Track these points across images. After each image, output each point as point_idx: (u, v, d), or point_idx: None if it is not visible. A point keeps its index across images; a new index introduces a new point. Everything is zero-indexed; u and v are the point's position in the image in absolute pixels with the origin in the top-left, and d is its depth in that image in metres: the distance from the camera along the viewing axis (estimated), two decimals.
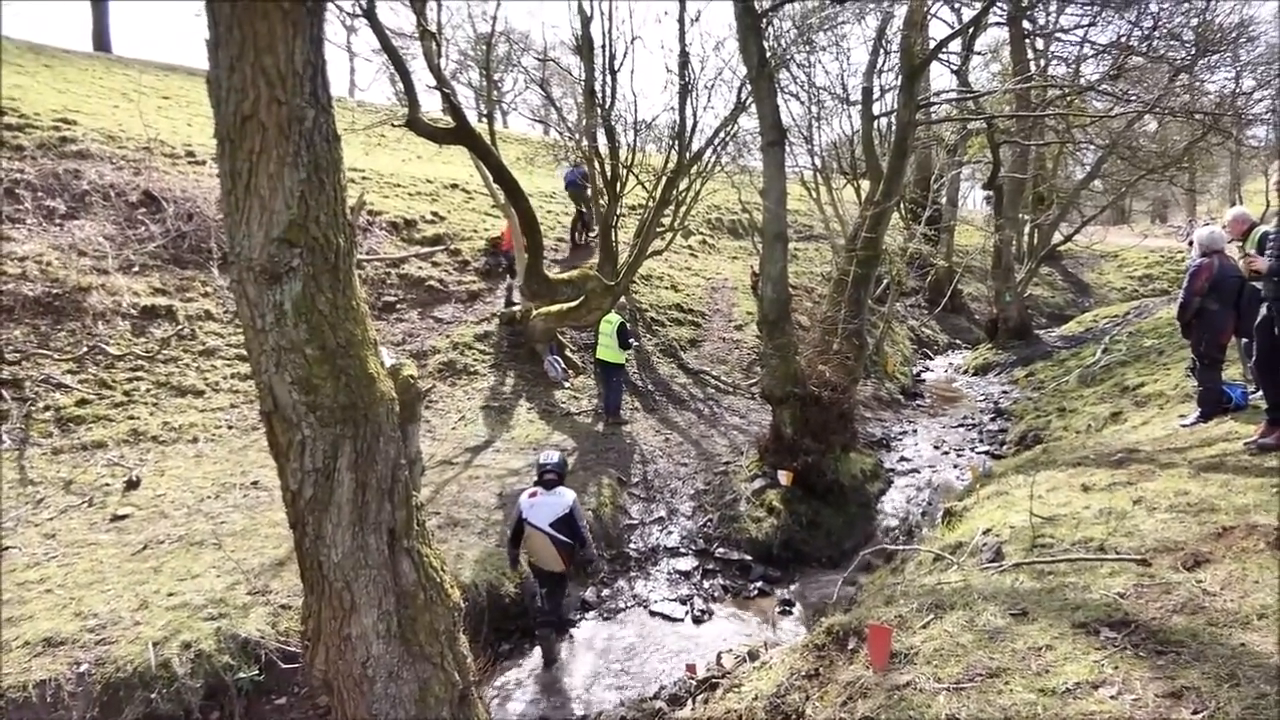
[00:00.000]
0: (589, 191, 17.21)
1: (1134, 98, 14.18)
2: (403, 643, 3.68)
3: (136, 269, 11.20)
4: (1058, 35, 20.15)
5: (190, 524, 7.46)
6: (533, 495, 7.05)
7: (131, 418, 9.38)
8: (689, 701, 5.85)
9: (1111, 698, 3.08)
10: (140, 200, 12.31)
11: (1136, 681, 3.13)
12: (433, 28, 10.85)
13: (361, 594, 3.55)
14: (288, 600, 6.09)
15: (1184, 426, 7.76)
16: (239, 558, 6.68)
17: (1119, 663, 3.29)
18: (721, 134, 14.23)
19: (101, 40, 28.69)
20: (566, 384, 13.30)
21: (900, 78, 11.30)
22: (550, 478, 7.12)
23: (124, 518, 7.53)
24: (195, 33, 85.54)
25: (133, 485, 8.24)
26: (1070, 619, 3.74)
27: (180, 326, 10.88)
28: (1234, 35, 15.13)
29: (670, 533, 9.58)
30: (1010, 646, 3.64)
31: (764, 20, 9.86)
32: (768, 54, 9.95)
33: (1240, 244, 7.35)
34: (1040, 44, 21.07)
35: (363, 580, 3.54)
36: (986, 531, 5.68)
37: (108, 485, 8.19)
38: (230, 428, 9.91)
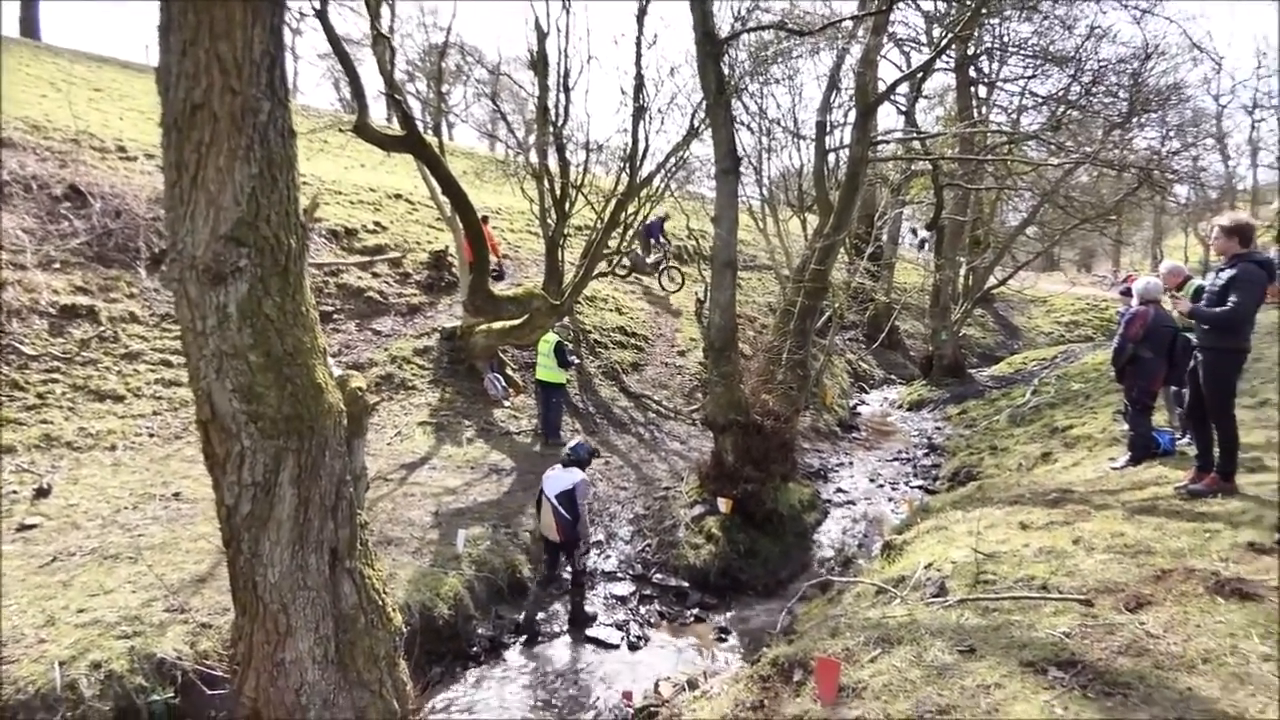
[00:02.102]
0: (656, 240, 19.88)
1: (1071, 149, 14.69)
2: (340, 669, 3.48)
3: (57, 266, 10.67)
4: (1000, 85, 20.85)
5: (105, 536, 7.05)
6: (552, 470, 8.09)
7: (45, 422, 8.88)
8: None
9: None
10: (65, 194, 11.75)
11: None
12: (386, 32, 10.65)
13: (299, 616, 3.34)
14: (209, 619, 5.78)
15: (1114, 469, 7.95)
16: (158, 573, 6.32)
17: (1069, 703, 3.28)
18: (673, 159, 14.29)
19: (30, 27, 27.66)
20: (507, 403, 13.10)
21: (854, 114, 11.49)
22: (570, 458, 8.06)
23: (32, 527, 7.08)
24: (130, 25, 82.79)
25: (43, 493, 7.77)
26: (1018, 657, 3.73)
27: (102, 328, 10.38)
28: (1166, 96, 15.79)
29: (608, 557, 9.45)
30: (959, 684, 3.62)
31: (724, 48, 9.91)
32: (726, 81, 10.01)
33: (1174, 294, 7.59)
34: (983, 92, 21.76)
35: (301, 602, 3.34)
36: (928, 566, 5.70)
37: (15, 493, 7.70)
38: (152, 435, 9.47)
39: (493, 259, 15.09)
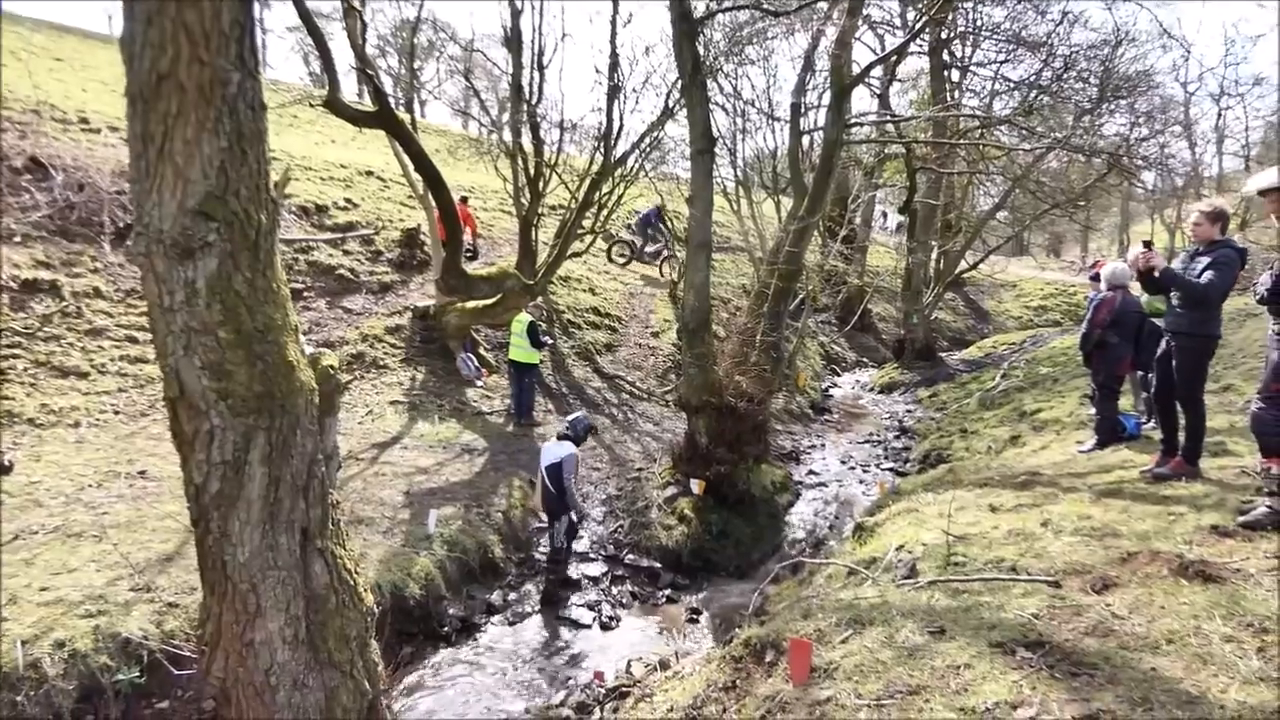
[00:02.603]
0: (654, 229, 20.28)
1: (1042, 134, 14.82)
2: (311, 649, 3.43)
3: (18, 239, 10.41)
4: (973, 69, 20.94)
5: (68, 514, 6.92)
6: (548, 442, 8.39)
7: (6, 398, 8.69)
8: (597, 710, 5.74)
9: (1031, 718, 3.11)
10: (25, 166, 11.44)
11: (1054, 703, 3.16)
12: (357, 4, 10.46)
13: (268, 597, 3.29)
14: (176, 598, 5.71)
15: (1082, 452, 8.05)
16: (123, 551, 6.22)
17: (1036, 683, 3.32)
18: (647, 139, 14.22)
19: None
20: (479, 383, 13.03)
21: (829, 96, 11.47)
22: (565, 432, 8.34)
23: None
24: None
25: (4, 470, 7.59)
26: (987, 638, 3.77)
27: (65, 303, 10.16)
28: (1135, 83, 15.96)
29: (580, 537, 9.45)
30: (929, 664, 3.65)
31: (699, 27, 9.84)
32: (701, 61, 9.95)
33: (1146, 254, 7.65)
34: (956, 76, 21.85)
35: (270, 582, 3.28)
36: (899, 548, 5.75)
37: None
38: (116, 413, 9.31)
39: (467, 237, 15.00)
